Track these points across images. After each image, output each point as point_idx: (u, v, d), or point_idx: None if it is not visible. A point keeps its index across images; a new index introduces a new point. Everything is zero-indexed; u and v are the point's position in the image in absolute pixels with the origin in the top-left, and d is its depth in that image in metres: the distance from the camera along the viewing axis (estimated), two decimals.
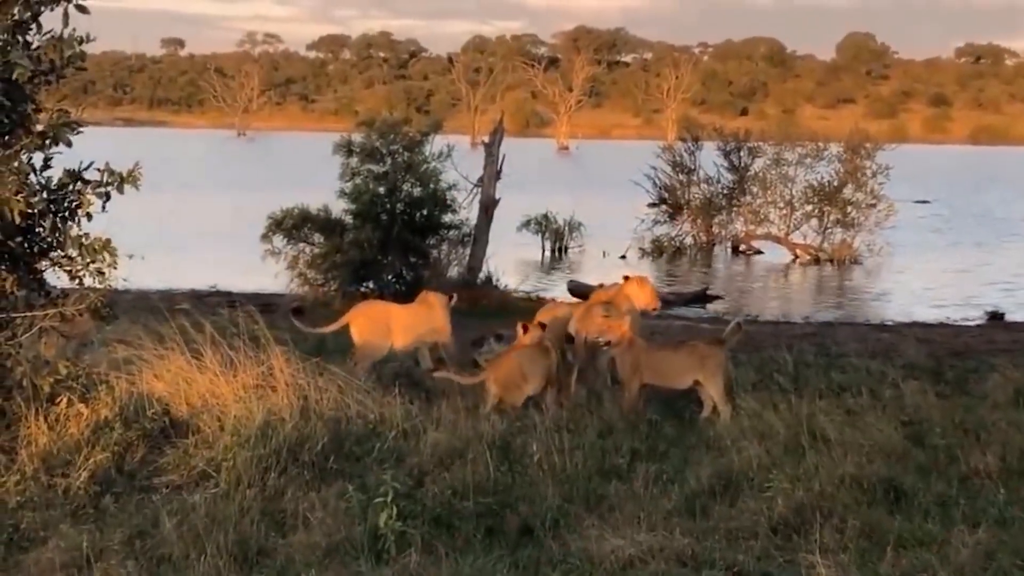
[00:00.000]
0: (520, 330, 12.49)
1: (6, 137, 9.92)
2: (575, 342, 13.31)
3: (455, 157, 23.19)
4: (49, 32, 10.09)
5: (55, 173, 10.29)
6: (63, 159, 10.28)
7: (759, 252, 37.14)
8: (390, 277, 22.38)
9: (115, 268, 10.25)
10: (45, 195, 10.15)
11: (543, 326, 12.58)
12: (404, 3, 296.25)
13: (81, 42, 10.07)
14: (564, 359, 13.22)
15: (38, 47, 10.08)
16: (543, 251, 35.94)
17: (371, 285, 22.38)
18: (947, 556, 8.03)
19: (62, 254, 10.30)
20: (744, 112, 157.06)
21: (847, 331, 20.58)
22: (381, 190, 22.43)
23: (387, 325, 13.69)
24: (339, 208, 22.54)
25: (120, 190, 10.24)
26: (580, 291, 22.31)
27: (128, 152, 11.99)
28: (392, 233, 22.02)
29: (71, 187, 10.27)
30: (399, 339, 13.72)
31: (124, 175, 10.25)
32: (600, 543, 8.21)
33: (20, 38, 9.99)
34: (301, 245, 22.54)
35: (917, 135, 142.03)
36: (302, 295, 22.08)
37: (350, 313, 13.87)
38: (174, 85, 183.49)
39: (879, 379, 12.61)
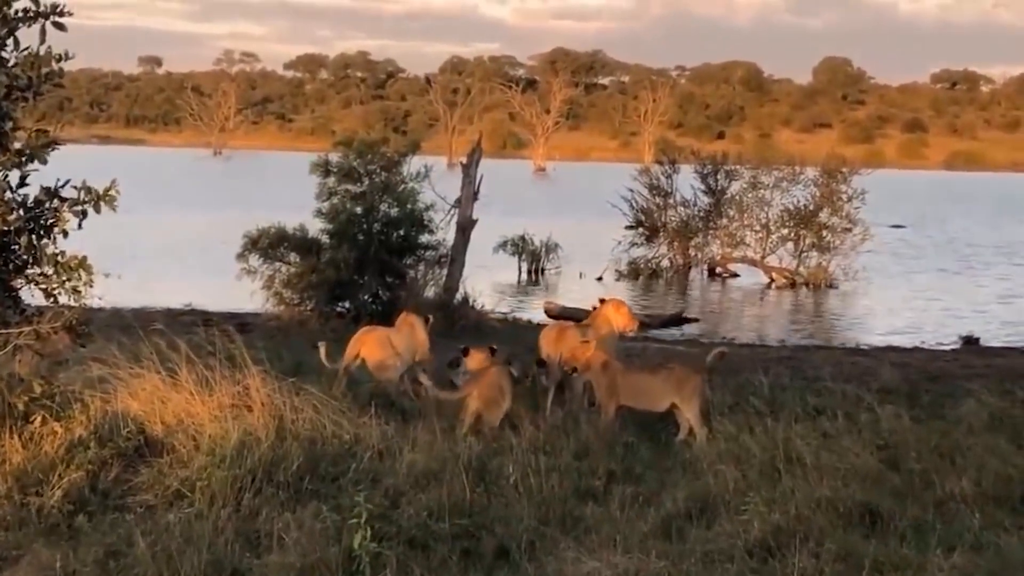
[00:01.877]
0: (462, 354, 12.56)
1: None
2: (548, 364, 13.34)
3: (432, 178, 23.20)
4: (26, 49, 10.08)
5: (31, 190, 10.27)
6: (39, 176, 10.26)
7: (735, 275, 37.24)
8: (366, 297, 22.34)
9: (91, 286, 10.22)
10: (21, 212, 10.12)
11: (493, 350, 12.63)
12: (382, 24, 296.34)
13: (59, 59, 10.07)
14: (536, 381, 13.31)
15: (15, 64, 10.07)
16: (519, 272, 35.95)
17: (347, 305, 22.35)
18: None
19: (38, 271, 10.27)
20: (721, 135, 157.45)
21: (823, 355, 20.62)
22: (358, 210, 22.40)
23: (393, 346, 13.70)
24: (316, 228, 22.50)
25: (97, 208, 10.22)
26: (567, 315, 22.26)
27: (104, 170, 11.95)
28: (369, 253, 21.99)
29: (47, 205, 10.25)
30: (400, 360, 13.74)
31: (101, 193, 10.22)
32: (576, 565, 8.21)
33: None
34: (277, 264, 22.49)
35: (892, 160, 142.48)
36: (277, 314, 22.04)
37: (356, 340, 13.81)
38: (151, 103, 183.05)
39: (855, 403, 12.62)
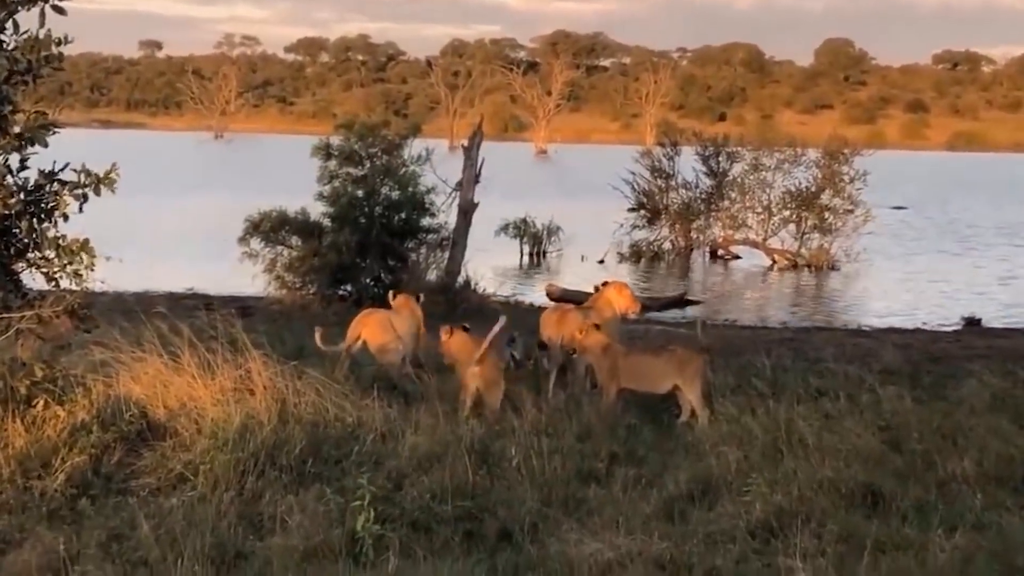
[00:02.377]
0: (444, 334, 12.51)
1: None
2: (549, 347, 13.35)
3: (433, 160, 23.21)
4: (26, 32, 10.07)
5: (31, 174, 10.27)
6: (40, 160, 10.26)
7: (737, 257, 37.25)
8: (368, 281, 22.37)
9: (92, 270, 10.23)
10: (22, 196, 10.12)
11: (466, 328, 12.62)
12: (382, 6, 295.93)
13: (59, 43, 10.06)
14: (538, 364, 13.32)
15: (14, 47, 10.06)
16: (521, 255, 35.95)
17: (349, 289, 22.37)
18: (925, 560, 8.07)
19: (39, 255, 10.28)
20: (722, 117, 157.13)
21: (824, 336, 20.64)
22: (359, 193, 22.43)
23: (394, 329, 13.63)
24: (317, 211, 22.53)
25: (97, 192, 10.23)
26: (569, 297, 22.21)
27: (105, 154, 11.96)
28: (370, 236, 22.01)
29: (48, 188, 10.25)
30: (402, 343, 13.66)
31: (101, 176, 10.23)
32: (579, 547, 8.23)
33: None
34: (279, 248, 22.53)
35: (894, 141, 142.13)
36: (279, 298, 22.05)
37: (358, 322, 13.77)
38: (151, 87, 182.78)
39: (857, 384, 12.62)
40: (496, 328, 12.17)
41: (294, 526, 8.46)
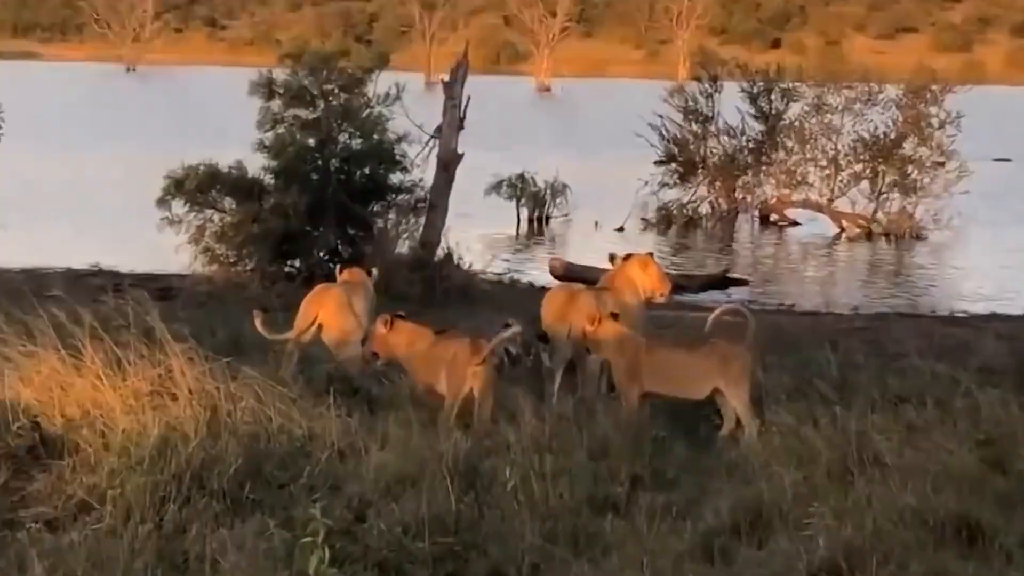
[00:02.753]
0: (381, 326, 12.57)
1: None
2: (553, 339, 13.32)
3: (406, 100, 23.18)
4: None
5: None
6: None
7: (795, 223, 37.29)
8: (322, 254, 22.34)
9: None
10: None
11: (402, 316, 12.68)
12: None
13: None
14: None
15: None
16: (518, 221, 35.97)
17: (297, 264, 22.34)
18: None
19: None
20: (776, 44, 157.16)
21: (907, 325, 20.69)
22: (311, 142, 22.44)
23: (355, 312, 13.62)
24: (257, 165, 22.51)
25: None
26: (577, 275, 22.20)
27: None
28: (325, 197, 22.01)
29: None
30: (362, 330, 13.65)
31: None
32: None
33: None
34: (208, 212, 22.50)
35: (997, 74, 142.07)
36: (209, 276, 22.05)
37: (312, 301, 13.77)
38: (44, 8, 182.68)
39: (948, 386, 12.67)
40: (506, 334, 12.23)
41: (228, 567, 8.47)
